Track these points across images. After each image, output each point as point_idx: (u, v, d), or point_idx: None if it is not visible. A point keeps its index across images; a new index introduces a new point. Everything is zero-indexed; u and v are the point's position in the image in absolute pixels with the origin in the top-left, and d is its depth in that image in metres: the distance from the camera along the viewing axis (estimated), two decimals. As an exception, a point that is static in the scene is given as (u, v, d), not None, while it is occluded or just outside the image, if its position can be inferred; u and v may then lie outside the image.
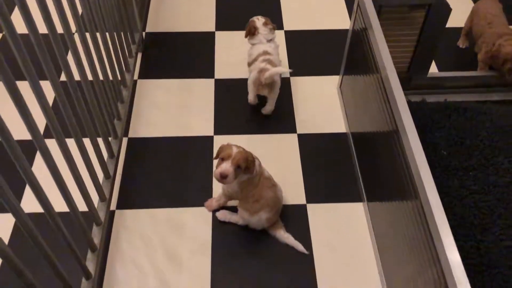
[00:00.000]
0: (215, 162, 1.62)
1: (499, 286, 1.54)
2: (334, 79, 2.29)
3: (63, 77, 1.32)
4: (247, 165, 1.56)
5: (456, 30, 2.47)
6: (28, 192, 1.82)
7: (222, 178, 1.52)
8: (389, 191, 1.52)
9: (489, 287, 1.53)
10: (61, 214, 1.28)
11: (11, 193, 0.98)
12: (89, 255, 1.55)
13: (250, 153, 1.61)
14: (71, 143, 1.34)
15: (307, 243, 1.72)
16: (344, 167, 1.96)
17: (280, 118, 2.14)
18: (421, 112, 2.03)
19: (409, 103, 1.97)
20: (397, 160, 1.40)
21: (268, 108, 2.11)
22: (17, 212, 1.02)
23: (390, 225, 1.52)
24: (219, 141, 2.00)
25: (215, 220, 1.79)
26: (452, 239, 1.10)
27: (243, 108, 2.17)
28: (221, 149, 1.59)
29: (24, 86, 1.07)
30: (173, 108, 2.17)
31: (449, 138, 1.92)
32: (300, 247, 1.70)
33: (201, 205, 1.83)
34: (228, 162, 1.53)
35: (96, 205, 1.63)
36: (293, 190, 1.88)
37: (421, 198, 1.21)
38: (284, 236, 1.72)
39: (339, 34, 2.52)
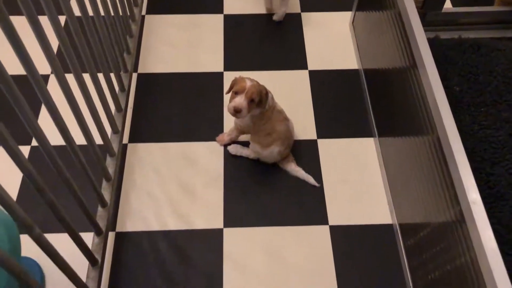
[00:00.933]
0: (226, 97, 1.61)
1: (508, 217, 1.58)
2: (346, 15, 2.24)
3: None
4: (260, 98, 1.55)
5: (473, -34, 2.39)
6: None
7: (236, 112, 1.52)
8: (402, 126, 1.53)
9: (498, 218, 1.57)
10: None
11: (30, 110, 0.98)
12: (104, 184, 1.57)
13: (264, 86, 1.59)
14: (85, 77, 1.34)
15: (318, 176, 1.75)
16: (356, 103, 1.96)
17: (291, 55, 2.11)
18: (435, 48, 1.99)
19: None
20: (413, 95, 1.40)
21: (282, 11, 2.12)
22: (35, 130, 1.03)
23: (402, 159, 1.54)
24: (229, 77, 1.98)
25: (227, 154, 1.81)
26: (470, 171, 1.12)
27: (253, 44, 2.14)
28: (234, 82, 1.58)
29: (43, 21, 1.06)
30: (182, 44, 2.14)
31: (462, 74, 1.90)
32: (311, 179, 1.73)
33: (213, 139, 1.84)
34: (242, 96, 1.52)
35: (109, 137, 1.64)
36: (304, 126, 1.88)
37: (439, 132, 1.21)
38: (295, 169, 1.74)
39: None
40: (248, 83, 1.53)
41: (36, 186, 1.01)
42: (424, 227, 1.36)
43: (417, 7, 1.49)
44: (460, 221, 1.10)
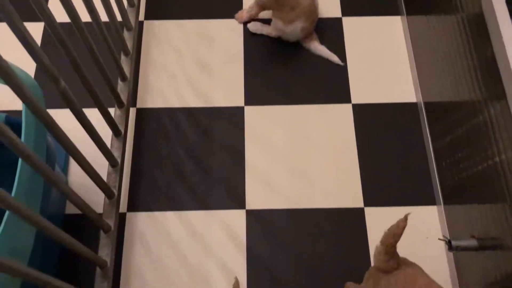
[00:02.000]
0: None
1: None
2: None
3: None
4: None
5: None
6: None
7: None
8: (434, 3, 1.43)
9: None
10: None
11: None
12: (123, 58, 1.53)
13: None
14: None
15: (342, 55, 1.68)
16: (383, -20, 1.83)
17: None
18: None
19: None
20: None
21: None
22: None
23: (432, 37, 1.46)
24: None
25: (247, 32, 1.73)
26: None
27: None
28: None
29: None
30: None
31: None
32: (334, 58, 1.67)
33: (231, 17, 1.76)
34: None
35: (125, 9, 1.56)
36: (327, 2, 1.78)
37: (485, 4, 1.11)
38: (319, 47, 1.67)
39: None
40: None
41: (59, 40, 0.97)
42: (454, 107, 1.31)
43: None
44: (498, 101, 1.04)
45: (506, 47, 1.01)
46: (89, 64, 1.21)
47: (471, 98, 1.17)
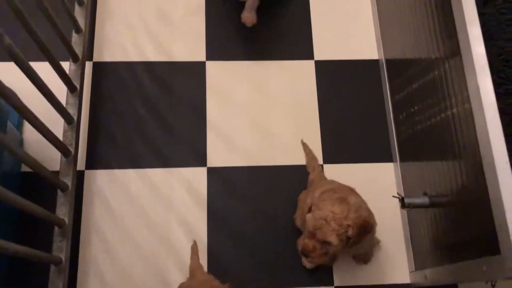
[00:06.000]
0: None
1: (496, 56, 1.55)
2: None
3: None
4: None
5: None
6: None
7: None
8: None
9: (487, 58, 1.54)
10: None
11: None
12: (77, 8, 1.45)
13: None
14: None
15: (306, 5, 1.65)
16: None
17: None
18: None
19: None
20: None
21: None
22: None
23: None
24: None
25: (209, -17, 1.66)
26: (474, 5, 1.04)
27: None
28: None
29: None
30: None
31: None
32: None
33: (193, -34, 1.68)
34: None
35: (77, -45, 1.47)
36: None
37: None
38: None
39: None
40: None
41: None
42: (414, 64, 1.32)
43: None
44: (455, 61, 1.05)
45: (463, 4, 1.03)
46: (39, 14, 1.13)
47: (429, 55, 1.18)
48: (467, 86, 0.98)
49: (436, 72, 1.14)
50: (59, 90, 1.26)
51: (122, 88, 1.52)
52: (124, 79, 1.53)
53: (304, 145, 1.48)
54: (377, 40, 1.63)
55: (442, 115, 1.12)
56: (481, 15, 1.63)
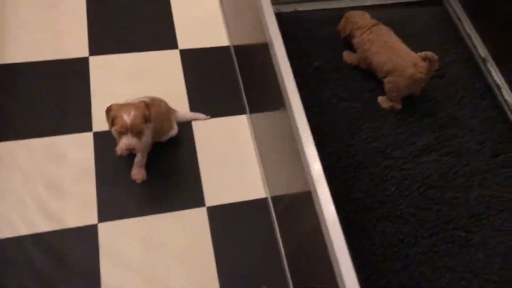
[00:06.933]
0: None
1: (368, 181, 1.71)
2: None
3: None
4: (146, 120, 1.44)
5: None
6: None
7: (131, 150, 1.42)
8: (265, 102, 1.56)
9: (360, 184, 1.69)
10: None
11: None
12: (-44, 194, 1.45)
13: (142, 104, 1.45)
14: None
15: (193, 157, 1.75)
16: (228, 80, 1.96)
17: (158, 35, 2.04)
18: (293, 22, 2.03)
19: (280, 14, 1.97)
20: (270, 71, 1.42)
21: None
22: None
23: (269, 135, 1.58)
24: (96, 63, 1.88)
25: (98, 146, 1.73)
26: (313, 146, 1.17)
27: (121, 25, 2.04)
28: (113, 117, 1.41)
29: None
30: (39, 27, 1.97)
31: (320, 49, 1.96)
32: (201, 116, 1.82)
33: (80, 131, 1.76)
34: (128, 135, 1.39)
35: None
36: (176, 105, 1.84)
37: (287, 109, 1.24)
38: (185, 115, 1.82)
39: None
40: (128, 116, 1.37)
41: None
42: (288, 198, 1.43)
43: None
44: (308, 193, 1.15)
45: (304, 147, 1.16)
46: None
47: (296, 191, 1.27)
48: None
49: (303, 207, 1.23)
50: None
51: (12, 266, 1.48)
52: (12, 257, 1.50)
53: None
54: (262, 179, 1.73)
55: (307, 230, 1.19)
56: (350, 145, 1.80)
